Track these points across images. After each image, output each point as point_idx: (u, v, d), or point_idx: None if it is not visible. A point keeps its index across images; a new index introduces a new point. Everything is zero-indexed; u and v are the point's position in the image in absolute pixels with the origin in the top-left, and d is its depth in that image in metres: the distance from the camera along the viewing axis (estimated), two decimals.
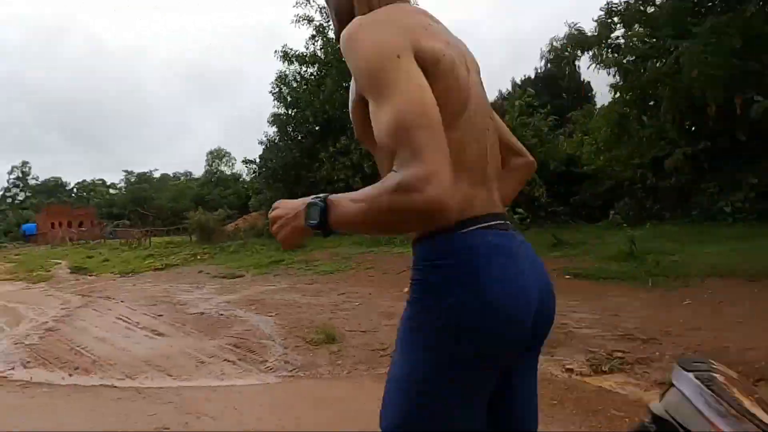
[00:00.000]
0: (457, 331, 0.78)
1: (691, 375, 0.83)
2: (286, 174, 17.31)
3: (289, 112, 18.02)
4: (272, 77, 17.95)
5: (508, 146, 1.09)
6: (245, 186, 59.13)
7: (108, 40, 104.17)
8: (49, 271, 14.16)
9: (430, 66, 0.78)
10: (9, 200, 49.46)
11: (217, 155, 63.14)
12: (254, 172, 19.97)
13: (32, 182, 52.04)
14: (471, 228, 0.81)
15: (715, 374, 0.83)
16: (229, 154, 63.94)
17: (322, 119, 16.98)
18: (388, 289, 6.58)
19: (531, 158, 1.15)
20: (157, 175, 52.53)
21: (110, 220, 42.98)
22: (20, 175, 51.44)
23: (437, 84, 0.77)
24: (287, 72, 17.90)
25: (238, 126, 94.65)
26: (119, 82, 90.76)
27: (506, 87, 27.65)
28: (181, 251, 16.57)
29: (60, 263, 16.44)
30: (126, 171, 52.32)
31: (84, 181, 56.23)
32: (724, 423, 0.76)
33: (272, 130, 18.51)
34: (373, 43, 0.77)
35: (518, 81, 27.09)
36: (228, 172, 61.86)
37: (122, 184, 58.45)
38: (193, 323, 5.45)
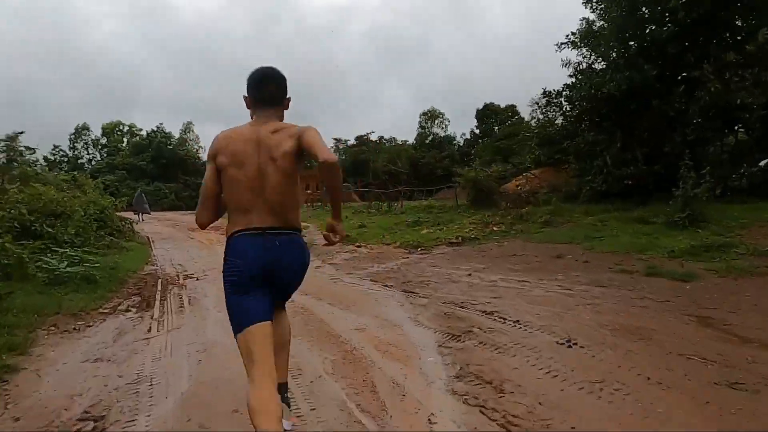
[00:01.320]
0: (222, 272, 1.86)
1: None
2: (622, 105, 11.50)
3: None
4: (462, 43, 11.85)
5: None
6: (459, 147, 55.90)
7: (310, 21, 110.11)
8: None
9: None
10: None
11: (431, 116, 60.38)
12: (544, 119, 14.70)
13: None
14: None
15: None
16: (443, 114, 60.85)
17: (695, 15, 10.32)
18: None
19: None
20: (373, 137, 52.03)
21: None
22: None
23: None
24: None
25: (427, 94, 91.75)
26: (318, 61, 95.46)
27: None
28: (455, 218, 12.50)
29: (308, 227, 14.06)
30: (336, 139, 53.36)
31: None
32: None
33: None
34: None
35: None
36: (441, 134, 59.13)
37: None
38: None
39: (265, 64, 1.96)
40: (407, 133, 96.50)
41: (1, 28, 78.37)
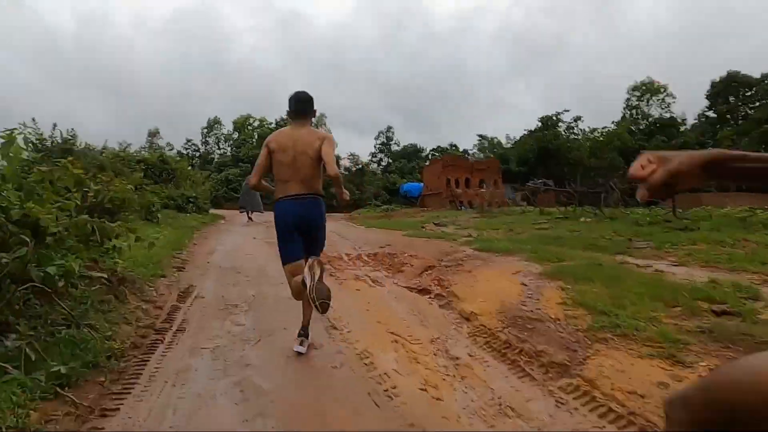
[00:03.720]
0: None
1: None
2: None
3: None
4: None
5: None
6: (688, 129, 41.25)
7: (437, 23, 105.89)
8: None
9: None
10: (375, 164, 51.86)
11: (648, 89, 46.41)
12: None
13: (394, 148, 53.47)
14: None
15: None
16: (665, 88, 45.54)
17: None
18: None
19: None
20: (566, 118, 42.64)
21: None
22: (384, 140, 53.81)
23: None
24: None
25: (561, 96, 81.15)
26: (444, 64, 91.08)
27: None
28: None
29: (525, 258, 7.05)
30: (480, 135, 47.71)
31: (438, 147, 54.11)
32: None
33: None
34: None
35: None
36: (657, 114, 45.25)
37: (475, 151, 52.60)
38: None
39: (301, 89, 3.08)
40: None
41: (158, 44, 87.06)
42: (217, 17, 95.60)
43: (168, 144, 49.41)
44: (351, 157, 48.51)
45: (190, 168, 19.08)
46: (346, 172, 42.98)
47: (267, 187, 3.24)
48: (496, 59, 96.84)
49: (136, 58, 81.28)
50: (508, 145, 49.47)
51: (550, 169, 33.58)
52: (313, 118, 3.09)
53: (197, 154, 50.51)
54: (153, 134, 48.83)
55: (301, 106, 3.02)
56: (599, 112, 78.15)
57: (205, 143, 51.72)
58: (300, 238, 2.89)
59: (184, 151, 49.71)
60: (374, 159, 52.19)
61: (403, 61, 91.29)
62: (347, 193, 3.02)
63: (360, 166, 47.46)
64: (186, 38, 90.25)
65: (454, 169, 27.87)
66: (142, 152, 15.94)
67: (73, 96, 74.13)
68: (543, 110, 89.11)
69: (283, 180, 2.90)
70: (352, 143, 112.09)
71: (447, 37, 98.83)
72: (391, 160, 50.70)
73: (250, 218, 14.61)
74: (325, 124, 49.40)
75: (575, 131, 44.70)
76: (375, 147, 53.45)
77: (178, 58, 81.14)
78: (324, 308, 2.49)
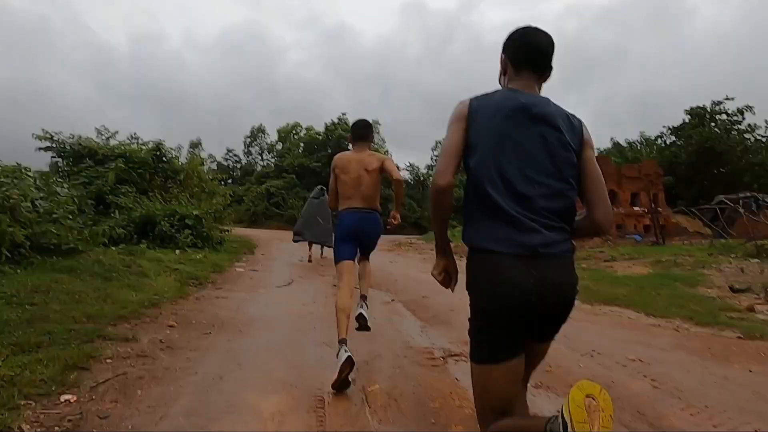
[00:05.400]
0: None
1: None
2: None
3: None
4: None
5: None
6: None
7: (486, 38, 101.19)
8: None
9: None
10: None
11: None
12: None
13: None
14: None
15: None
16: None
17: None
18: None
19: None
20: (732, 106, 30.24)
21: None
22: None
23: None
24: None
25: (613, 110, 73.00)
26: (492, 77, 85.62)
27: None
28: None
29: None
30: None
31: None
32: None
33: None
34: None
35: None
36: None
37: None
38: None
39: (363, 117, 3.53)
40: None
41: (207, 60, 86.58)
42: (265, 32, 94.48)
43: (210, 156, 45.24)
44: (409, 168, 42.13)
45: (204, 170, 12.99)
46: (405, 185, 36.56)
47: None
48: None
49: (185, 72, 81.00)
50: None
51: (715, 179, 25.00)
52: (372, 143, 3.50)
53: (238, 165, 45.80)
54: (195, 145, 44.38)
55: (363, 131, 3.44)
56: (656, 124, 69.39)
57: (248, 153, 46.71)
58: (355, 244, 3.27)
59: (225, 162, 45.14)
60: (432, 172, 45.41)
61: (448, 75, 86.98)
62: (398, 216, 3.45)
63: (421, 178, 41.09)
64: (234, 53, 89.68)
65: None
66: (137, 144, 9.91)
67: (126, 109, 74.18)
68: (595, 125, 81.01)
69: (346, 196, 3.29)
70: (397, 158, 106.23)
71: (495, 50, 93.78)
72: None
73: (311, 254, 9.29)
74: (378, 132, 43.34)
75: (741, 126, 31.85)
76: (432, 159, 46.99)
77: (225, 73, 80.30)
78: (361, 329, 3.22)
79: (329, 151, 34.20)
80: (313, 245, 9.09)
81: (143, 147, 9.82)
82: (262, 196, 32.16)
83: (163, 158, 9.91)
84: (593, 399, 1.14)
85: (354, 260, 3.22)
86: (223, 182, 43.94)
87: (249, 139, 46.43)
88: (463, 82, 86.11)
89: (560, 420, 1.15)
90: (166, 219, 8.16)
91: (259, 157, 46.61)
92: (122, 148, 9.36)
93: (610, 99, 76.88)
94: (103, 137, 9.62)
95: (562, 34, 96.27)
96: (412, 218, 33.51)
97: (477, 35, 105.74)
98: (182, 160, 11.02)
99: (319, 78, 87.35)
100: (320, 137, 36.12)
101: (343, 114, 35.81)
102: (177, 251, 7.46)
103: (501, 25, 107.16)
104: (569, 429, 1.10)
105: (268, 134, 46.55)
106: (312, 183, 32.86)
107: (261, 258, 9.34)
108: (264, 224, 29.36)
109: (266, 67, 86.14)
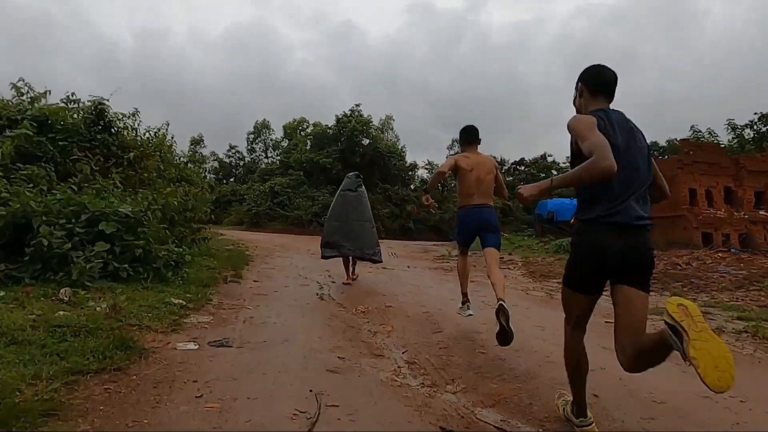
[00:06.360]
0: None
1: None
2: None
3: None
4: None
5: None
6: None
7: (493, 39, 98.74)
8: None
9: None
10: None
11: None
12: None
13: None
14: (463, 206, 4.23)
15: None
16: None
17: None
18: None
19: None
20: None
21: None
22: (458, 151, 43.48)
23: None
24: None
25: (624, 110, 70.22)
26: (499, 78, 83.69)
27: None
28: None
29: None
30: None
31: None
32: None
33: None
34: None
35: None
36: None
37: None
38: None
39: (469, 123, 4.29)
40: None
41: (212, 58, 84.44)
42: (271, 30, 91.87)
43: (213, 153, 42.15)
44: (428, 166, 38.62)
45: (175, 151, 9.73)
46: (423, 184, 32.84)
47: (435, 195, 6.28)
48: (554, 73, 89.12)
49: (190, 69, 78.79)
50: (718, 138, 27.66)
51: None
52: (479, 145, 4.25)
53: (241, 162, 42.58)
54: (196, 142, 41.23)
55: (473, 136, 4.23)
56: (665, 130, 65.83)
57: (251, 150, 43.39)
58: (474, 236, 4.06)
59: (227, 160, 41.94)
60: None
61: (456, 76, 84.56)
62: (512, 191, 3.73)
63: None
64: (239, 51, 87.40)
65: (703, 171, 15.12)
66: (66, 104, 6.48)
67: (129, 105, 71.67)
68: None
69: (468, 194, 4.01)
70: (408, 156, 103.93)
71: (504, 50, 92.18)
72: None
73: (354, 275, 6.14)
74: (392, 129, 40.11)
75: None
76: (446, 158, 43.15)
77: (231, 71, 77.88)
78: (504, 342, 3.24)
79: (340, 145, 30.52)
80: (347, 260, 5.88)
81: (76, 109, 6.56)
82: (265, 195, 28.73)
83: (110, 128, 6.69)
84: (684, 306, 1.61)
85: (468, 250, 4.22)
86: (224, 180, 41.05)
87: (252, 136, 43.19)
88: (470, 82, 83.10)
89: (667, 325, 1.64)
90: (59, 222, 4.53)
91: (264, 155, 43.32)
92: (39, 109, 6.11)
93: (622, 100, 73.97)
94: (20, 97, 6.45)
95: (571, 36, 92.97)
96: (432, 221, 30.00)
97: (484, 35, 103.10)
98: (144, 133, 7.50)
99: (326, 77, 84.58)
100: (331, 131, 32.15)
101: (357, 105, 31.79)
102: (62, 291, 3.79)
103: (509, 26, 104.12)
104: (680, 327, 1.56)
105: (272, 130, 43.27)
106: (321, 181, 29.38)
107: (247, 293, 5.31)
108: (267, 226, 26.08)
109: (272, 66, 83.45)
